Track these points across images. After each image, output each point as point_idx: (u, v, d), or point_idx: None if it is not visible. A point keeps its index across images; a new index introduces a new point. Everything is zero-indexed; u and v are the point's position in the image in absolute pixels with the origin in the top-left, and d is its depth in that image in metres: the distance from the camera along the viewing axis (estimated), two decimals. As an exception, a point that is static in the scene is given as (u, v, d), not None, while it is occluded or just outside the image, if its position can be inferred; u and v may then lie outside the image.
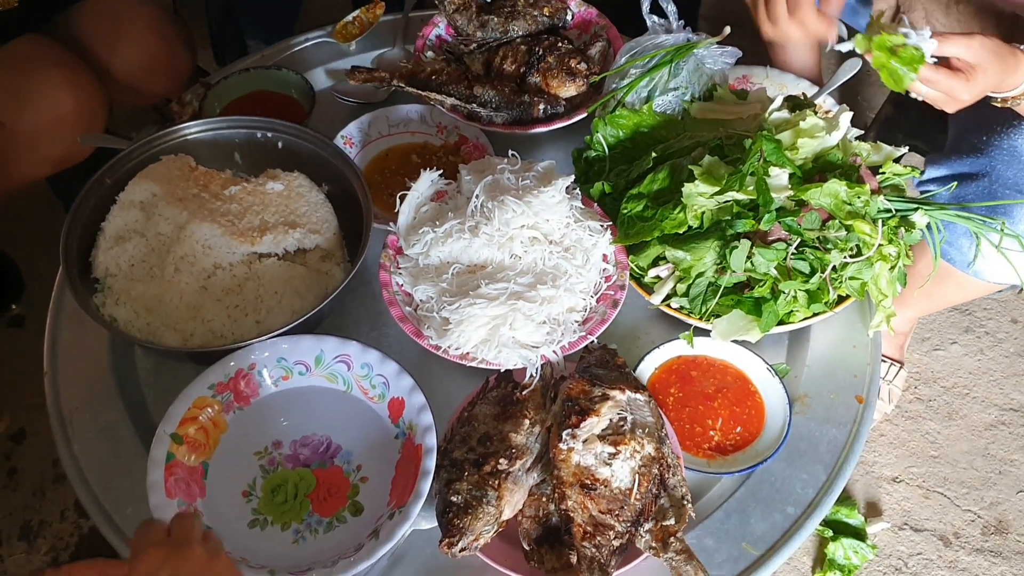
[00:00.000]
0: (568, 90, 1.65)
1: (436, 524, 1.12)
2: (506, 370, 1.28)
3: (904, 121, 2.15)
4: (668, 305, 1.35)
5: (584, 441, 1.12)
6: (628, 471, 1.11)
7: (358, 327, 1.43)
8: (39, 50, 1.70)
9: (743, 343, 1.35)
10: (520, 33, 1.73)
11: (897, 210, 1.35)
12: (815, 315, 1.33)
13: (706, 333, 1.35)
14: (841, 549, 1.81)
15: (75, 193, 1.38)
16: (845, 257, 1.30)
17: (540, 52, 1.68)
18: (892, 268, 1.32)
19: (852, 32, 1.27)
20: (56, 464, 1.92)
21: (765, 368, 1.34)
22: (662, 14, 1.62)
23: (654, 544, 1.09)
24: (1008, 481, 1.97)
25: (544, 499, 1.16)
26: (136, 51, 1.85)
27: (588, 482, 1.10)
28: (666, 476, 1.14)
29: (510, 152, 1.45)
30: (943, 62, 1.20)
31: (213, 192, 1.44)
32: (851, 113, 1.44)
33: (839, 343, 1.42)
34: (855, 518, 1.85)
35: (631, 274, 1.37)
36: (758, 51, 1.97)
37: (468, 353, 1.28)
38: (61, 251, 1.32)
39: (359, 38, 1.88)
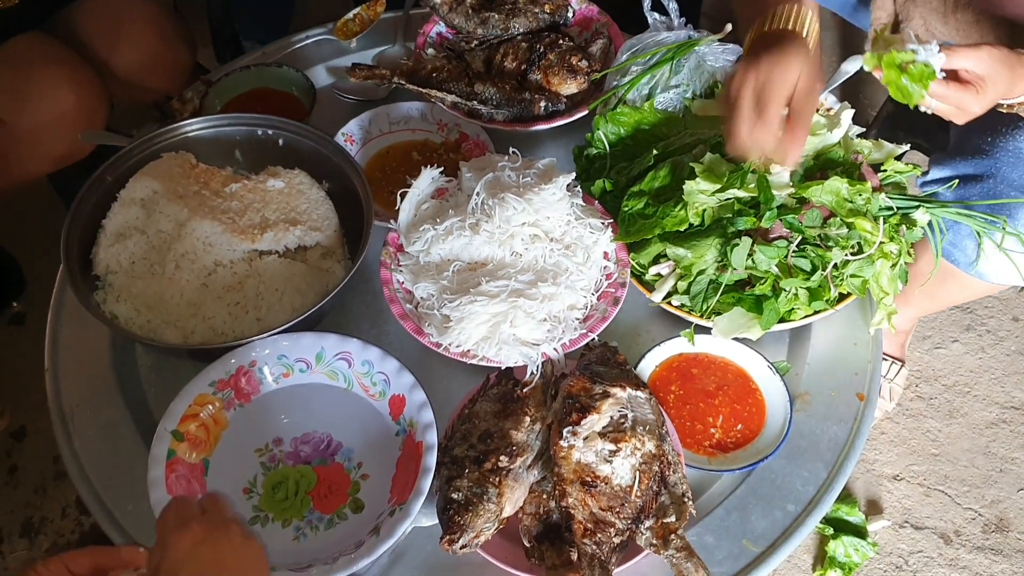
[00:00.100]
0: (569, 87, 1.65)
1: (437, 521, 1.12)
2: (507, 367, 1.28)
3: (905, 119, 2.15)
4: (669, 303, 1.35)
5: (585, 438, 1.12)
6: (629, 468, 1.11)
7: (359, 324, 1.43)
8: (40, 48, 1.70)
9: (744, 341, 1.35)
10: (521, 30, 1.73)
11: (898, 208, 1.35)
12: (816, 313, 1.33)
13: (707, 331, 1.35)
14: (842, 547, 1.81)
15: (76, 190, 1.38)
16: (846, 255, 1.29)
17: (541, 49, 1.67)
18: (893, 266, 1.32)
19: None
20: (57, 461, 1.92)
21: (766, 366, 1.34)
22: (663, 11, 1.62)
23: (655, 541, 1.10)
24: (1009, 479, 1.97)
25: (545, 496, 1.16)
26: (136, 48, 1.85)
27: (589, 479, 1.10)
28: (667, 473, 1.14)
29: (511, 149, 1.45)
30: (952, 75, 1.20)
31: (214, 189, 1.44)
32: (852, 111, 1.45)
33: (840, 341, 1.42)
34: (856, 516, 1.85)
35: (632, 272, 1.37)
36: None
37: (469, 350, 1.28)
38: (62, 248, 1.32)
39: (360, 35, 1.87)
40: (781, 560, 1.20)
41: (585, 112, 1.63)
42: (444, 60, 1.70)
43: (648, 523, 1.11)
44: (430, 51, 1.76)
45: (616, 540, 1.08)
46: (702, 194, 1.31)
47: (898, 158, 1.43)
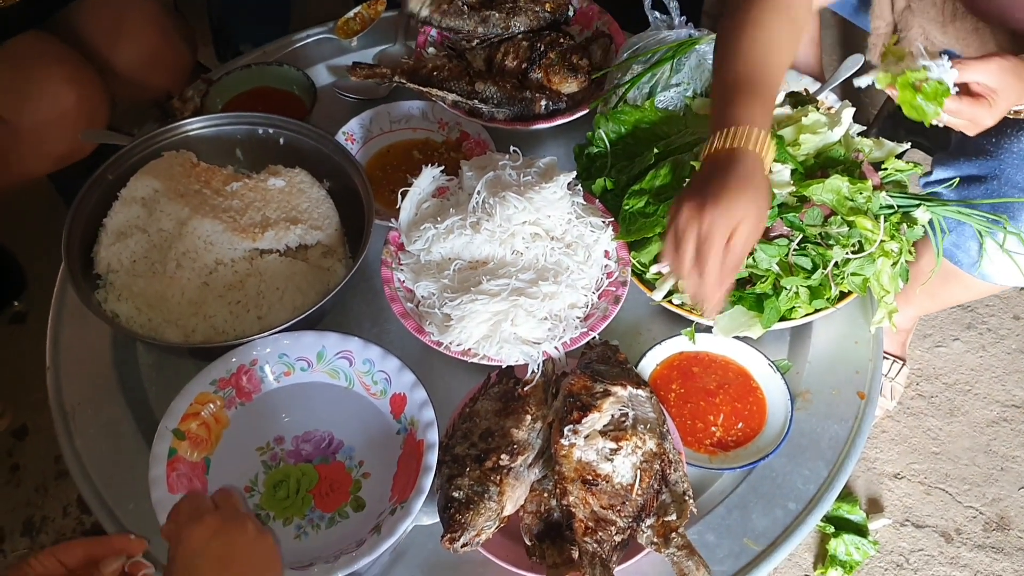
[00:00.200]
0: (570, 86, 1.65)
1: (438, 520, 1.12)
2: (508, 366, 1.28)
3: (906, 117, 2.14)
4: (670, 301, 1.35)
5: (586, 437, 1.12)
6: (629, 467, 1.11)
7: (360, 323, 1.43)
8: (41, 47, 1.70)
9: (745, 339, 1.35)
10: (522, 29, 1.73)
11: (899, 206, 1.35)
12: (817, 311, 1.33)
13: (708, 329, 1.35)
14: (843, 545, 1.81)
15: (77, 189, 1.38)
16: (847, 253, 1.30)
17: (542, 48, 1.67)
18: (894, 264, 1.32)
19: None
20: (58, 460, 1.92)
21: (767, 364, 1.34)
22: (664, 10, 1.62)
23: (655, 540, 1.10)
24: (1010, 477, 1.97)
25: (546, 495, 1.16)
26: (136, 46, 1.85)
27: (589, 478, 1.10)
28: (667, 472, 1.14)
29: (512, 148, 1.45)
30: (963, 87, 1.20)
31: (215, 188, 1.44)
32: (853, 109, 1.45)
33: (841, 339, 1.42)
34: (857, 514, 1.85)
35: (633, 270, 1.37)
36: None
37: (470, 349, 1.28)
38: (63, 247, 1.32)
39: (360, 34, 1.87)
40: (782, 559, 1.20)
41: (586, 111, 1.63)
42: (445, 59, 1.70)
43: (649, 521, 1.11)
44: (431, 50, 1.76)
45: (617, 538, 1.09)
46: (703, 192, 1.30)
47: (899, 156, 1.43)
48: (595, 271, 1.36)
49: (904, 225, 1.34)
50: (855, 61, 1.66)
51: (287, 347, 1.26)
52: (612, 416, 1.15)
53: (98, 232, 1.40)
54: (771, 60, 1.21)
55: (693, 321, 1.35)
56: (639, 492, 1.10)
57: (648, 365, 1.35)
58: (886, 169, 1.40)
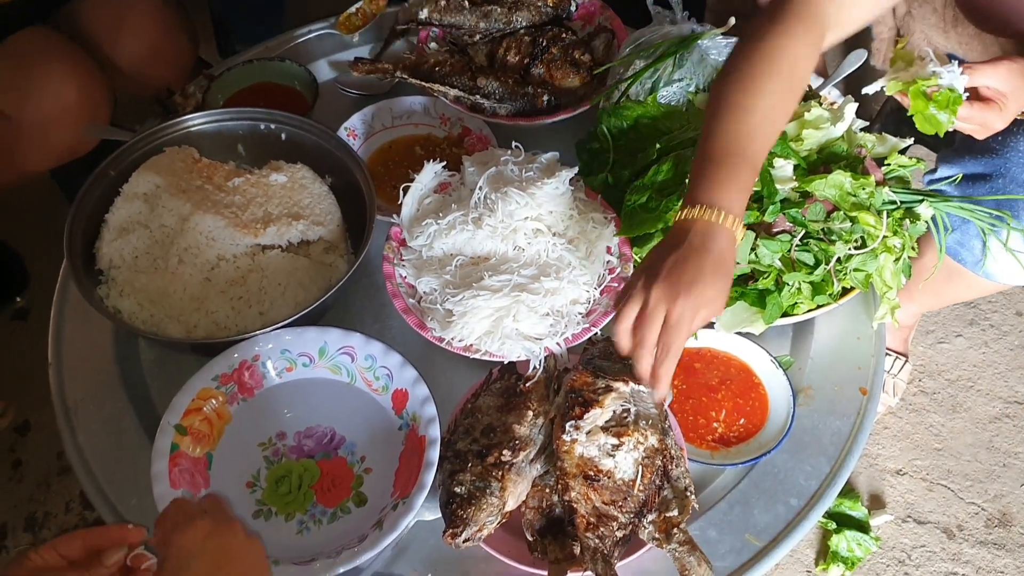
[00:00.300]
0: (572, 81, 1.65)
1: (440, 515, 1.12)
2: (509, 362, 1.28)
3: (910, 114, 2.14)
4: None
5: (587, 432, 1.12)
6: (631, 462, 1.11)
7: (362, 319, 1.43)
8: (43, 42, 1.70)
9: (747, 335, 1.35)
10: (524, 24, 1.72)
11: (902, 202, 1.35)
12: (819, 307, 1.33)
13: (710, 325, 1.34)
14: (844, 541, 1.81)
15: (79, 185, 1.38)
16: (849, 249, 1.29)
17: (544, 43, 1.67)
18: (897, 260, 1.32)
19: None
20: (61, 456, 1.93)
21: (769, 360, 1.34)
22: (666, 5, 1.61)
23: (657, 535, 1.10)
24: (1012, 474, 1.97)
25: (547, 490, 1.16)
26: (138, 40, 1.85)
27: (591, 473, 1.10)
28: (669, 467, 1.14)
29: (513, 144, 1.45)
30: (972, 92, 1.20)
31: (217, 184, 1.44)
32: (856, 104, 1.44)
33: (843, 335, 1.42)
34: (859, 510, 1.85)
35: (635, 266, 1.37)
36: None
37: (471, 345, 1.28)
38: (65, 243, 1.32)
39: (362, 29, 1.87)
40: (784, 554, 1.20)
41: (588, 106, 1.62)
42: (447, 54, 1.69)
43: (651, 517, 1.11)
44: (433, 45, 1.75)
45: (619, 534, 1.08)
46: (705, 188, 1.30)
47: (902, 152, 1.42)
48: (597, 267, 1.36)
49: (907, 221, 1.34)
50: (858, 57, 1.65)
51: (289, 343, 1.26)
52: (614, 412, 1.15)
53: (100, 228, 1.40)
54: (765, 132, 1.14)
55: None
56: (641, 488, 1.10)
57: (650, 361, 1.35)
58: (889, 165, 1.40)
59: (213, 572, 0.82)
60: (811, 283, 1.30)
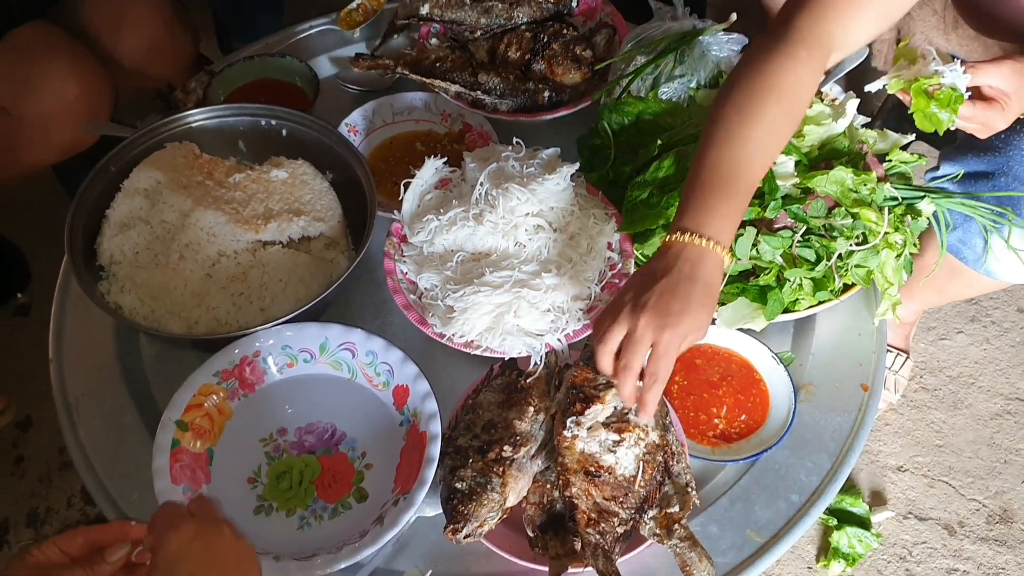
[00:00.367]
0: (573, 77, 1.65)
1: (440, 511, 1.12)
2: (510, 358, 1.28)
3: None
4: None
5: (588, 428, 1.12)
6: (632, 458, 1.11)
7: (363, 315, 1.43)
8: (44, 38, 1.70)
9: (748, 331, 1.34)
10: (525, 20, 1.72)
11: (903, 198, 1.35)
12: (820, 303, 1.33)
13: (712, 321, 1.34)
14: (845, 538, 1.81)
15: (80, 181, 1.38)
16: (851, 245, 1.29)
17: (545, 39, 1.67)
18: (898, 256, 1.32)
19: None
20: (62, 451, 1.93)
21: (770, 356, 1.34)
22: (668, 1, 1.61)
23: (658, 531, 1.10)
24: (1013, 470, 1.97)
25: (548, 486, 1.16)
26: (139, 36, 1.85)
27: (592, 469, 1.10)
28: (670, 463, 1.14)
29: (514, 140, 1.45)
30: (975, 91, 1.19)
31: (217, 180, 1.44)
32: (858, 100, 1.44)
33: (844, 331, 1.42)
34: (860, 507, 1.85)
35: (636, 262, 1.37)
36: (764, 38, 1.96)
37: (472, 341, 1.27)
38: (66, 239, 1.32)
39: (363, 25, 1.87)
40: (784, 550, 1.20)
41: (589, 102, 1.62)
42: (448, 50, 1.69)
43: (652, 513, 1.11)
44: (434, 41, 1.75)
45: (620, 530, 1.09)
46: (706, 184, 1.30)
47: (903, 148, 1.42)
48: (598, 263, 1.36)
49: (908, 217, 1.34)
50: (859, 53, 1.65)
51: (290, 339, 1.26)
52: (615, 408, 1.15)
53: (101, 223, 1.40)
54: (760, 161, 1.13)
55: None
56: (642, 484, 1.10)
57: (651, 357, 1.35)
58: (890, 161, 1.40)
59: (199, 575, 0.82)
60: (812, 279, 1.30)
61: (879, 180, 1.32)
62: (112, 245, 1.36)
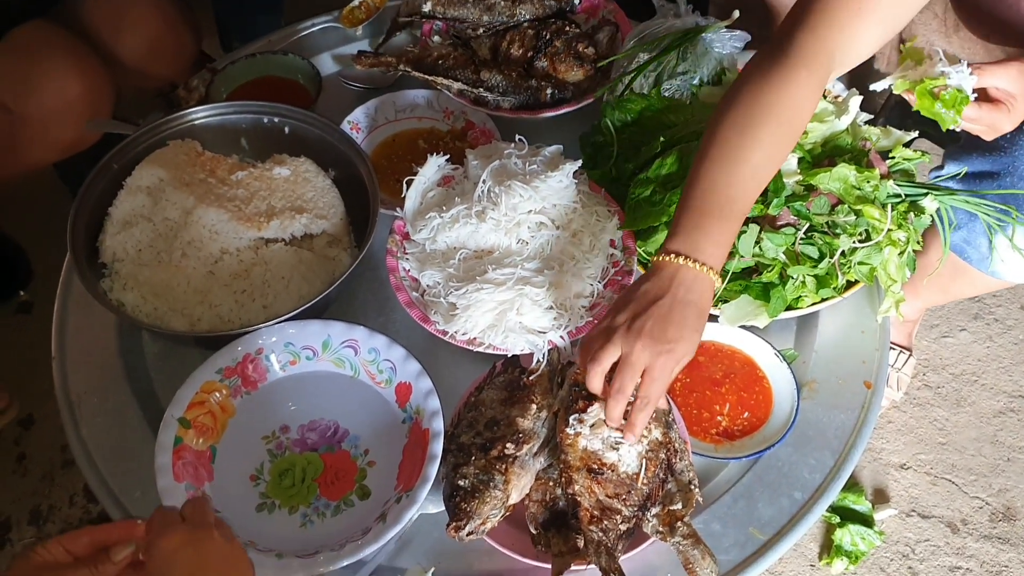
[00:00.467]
0: (575, 75, 1.65)
1: (443, 508, 1.12)
2: (513, 355, 1.28)
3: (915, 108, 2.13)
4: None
5: (591, 426, 1.12)
6: (635, 456, 1.11)
7: (365, 312, 1.43)
8: (46, 36, 1.70)
9: (751, 328, 1.34)
10: (527, 17, 1.72)
11: (907, 195, 1.34)
12: (823, 300, 1.33)
13: (714, 318, 1.34)
14: (848, 535, 1.81)
15: (82, 179, 1.39)
16: (854, 242, 1.29)
17: (547, 36, 1.67)
18: (901, 253, 1.31)
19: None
20: (65, 449, 1.93)
21: (773, 353, 1.33)
22: (670, -2, 1.61)
23: (661, 529, 1.09)
24: (1016, 468, 1.96)
25: (551, 483, 1.16)
26: (140, 34, 1.85)
27: (595, 467, 1.10)
28: (673, 461, 1.14)
29: (517, 137, 1.45)
30: (981, 93, 1.19)
31: (220, 177, 1.44)
32: (861, 97, 1.44)
33: (847, 329, 1.42)
34: (862, 504, 1.85)
35: (639, 259, 1.37)
36: (767, 35, 1.95)
37: (475, 338, 1.27)
38: (68, 236, 1.32)
39: (366, 23, 1.87)
40: (787, 548, 1.20)
41: (592, 99, 1.62)
42: (450, 47, 1.69)
43: (654, 510, 1.11)
44: (436, 39, 1.75)
45: (622, 527, 1.08)
46: (709, 181, 1.30)
47: (907, 145, 1.42)
48: (601, 260, 1.35)
49: (911, 214, 1.34)
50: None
51: (293, 336, 1.26)
52: (617, 405, 1.15)
53: (103, 221, 1.40)
54: (756, 183, 1.12)
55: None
56: (644, 481, 1.10)
57: (654, 354, 1.34)
58: (894, 158, 1.40)
59: None
60: (815, 276, 1.30)
61: (882, 177, 1.32)
62: (115, 243, 1.36)
